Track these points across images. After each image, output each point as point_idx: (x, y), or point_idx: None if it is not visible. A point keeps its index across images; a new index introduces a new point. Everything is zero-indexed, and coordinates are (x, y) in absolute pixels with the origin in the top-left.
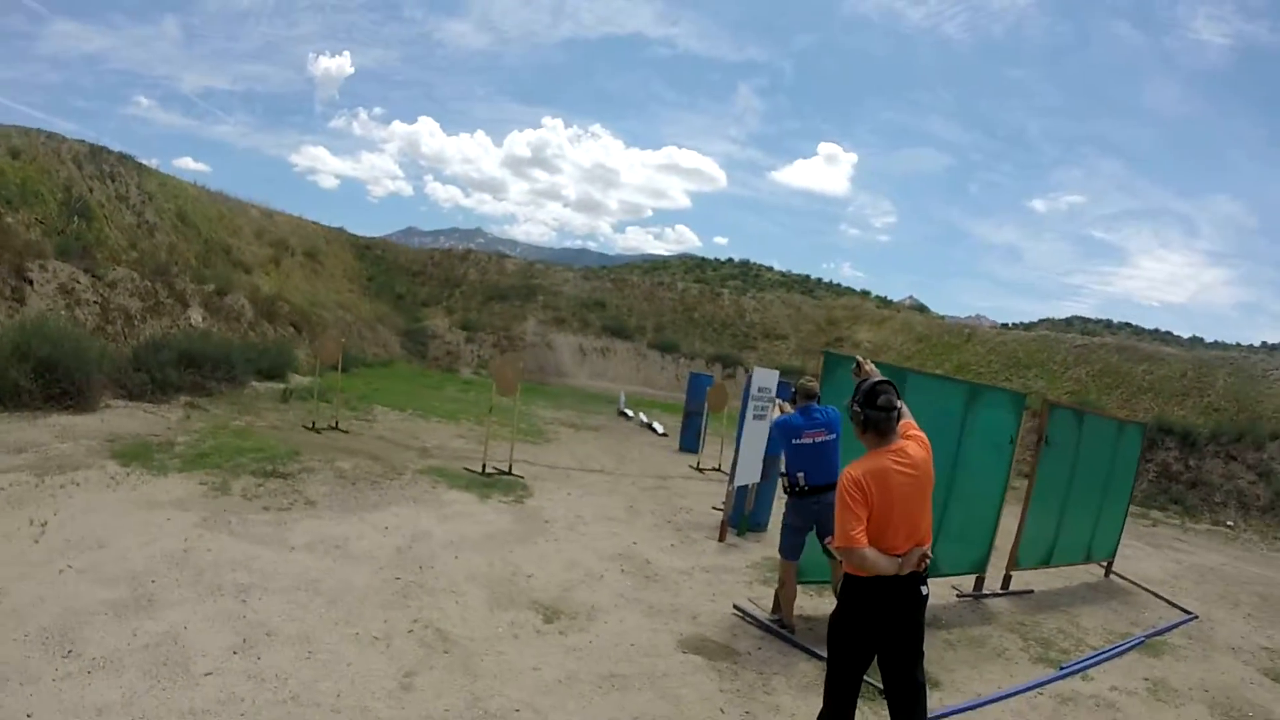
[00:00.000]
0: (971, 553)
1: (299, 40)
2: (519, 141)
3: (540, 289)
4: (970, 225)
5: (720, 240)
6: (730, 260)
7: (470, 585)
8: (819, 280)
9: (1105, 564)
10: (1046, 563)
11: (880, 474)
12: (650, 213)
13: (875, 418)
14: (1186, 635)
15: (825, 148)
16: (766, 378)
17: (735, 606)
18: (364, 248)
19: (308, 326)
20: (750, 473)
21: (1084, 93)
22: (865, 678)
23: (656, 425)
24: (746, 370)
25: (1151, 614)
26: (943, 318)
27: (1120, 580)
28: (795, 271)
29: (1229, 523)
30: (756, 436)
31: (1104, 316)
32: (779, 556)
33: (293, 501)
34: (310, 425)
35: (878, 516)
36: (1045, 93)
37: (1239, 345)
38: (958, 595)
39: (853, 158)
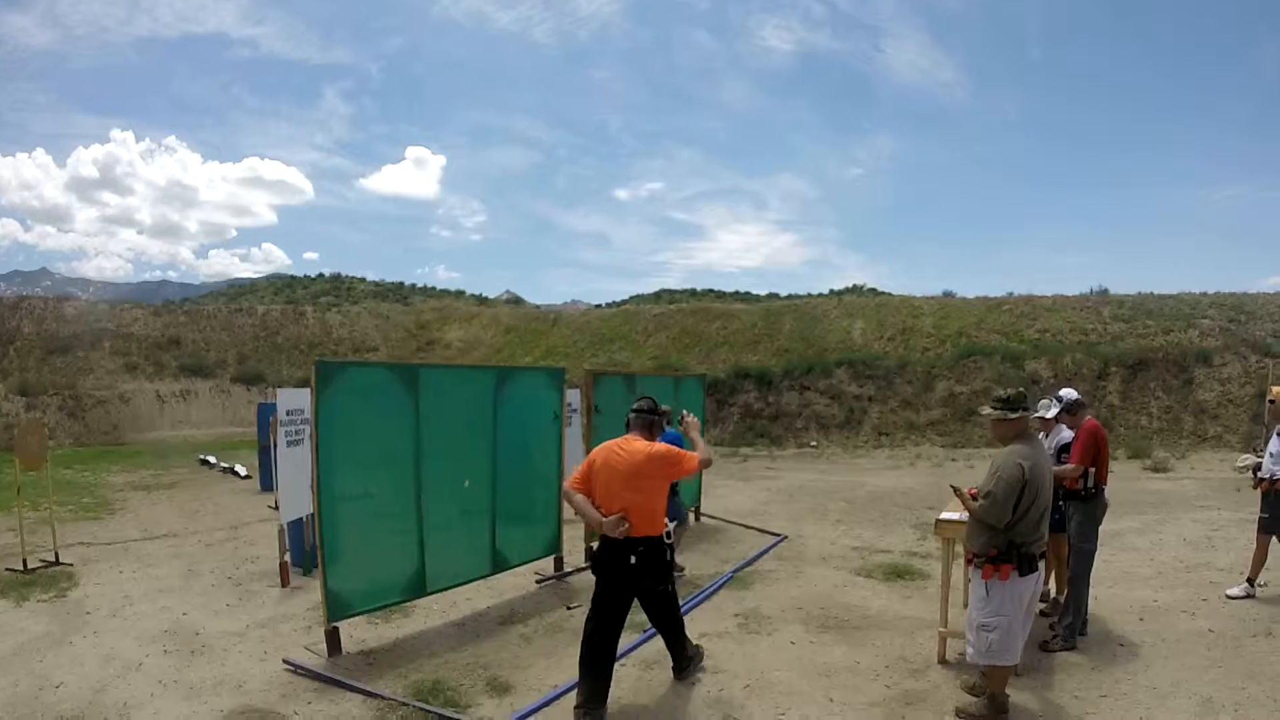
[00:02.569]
0: (540, 535)
1: None
2: (85, 160)
3: (106, 334)
4: (559, 217)
5: (311, 255)
6: (321, 276)
7: None
8: (413, 286)
9: (694, 509)
10: None
11: (604, 451)
12: (235, 233)
13: (628, 418)
14: (778, 557)
15: (413, 151)
16: (296, 398)
17: (285, 661)
18: None
19: None
20: (300, 504)
21: (663, 91)
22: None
23: (239, 468)
24: None
25: (743, 546)
26: (539, 307)
27: (711, 520)
28: (389, 280)
29: (813, 443)
30: (295, 464)
31: (689, 286)
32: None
33: None
34: None
35: (594, 479)
36: (627, 92)
37: (809, 295)
38: (538, 581)
39: (441, 160)
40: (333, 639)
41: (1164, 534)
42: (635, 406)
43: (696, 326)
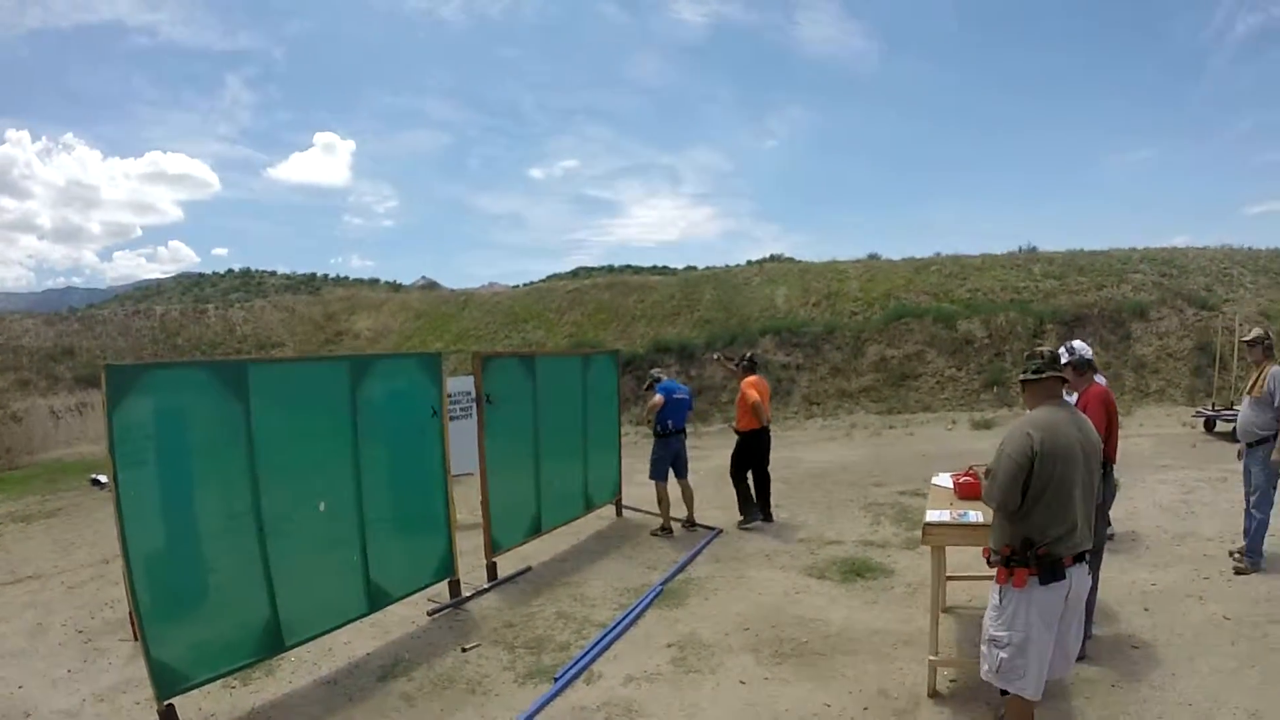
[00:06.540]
0: (429, 556)
1: None
2: None
3: None
4: (474, 199)
5: (220, 251)
6: (230, 272)
7: None
8: (325, 277)
9: (615, 502)
10: (537, 532)
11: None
12: (140, 231)
13: (747, 367)
14: (714, 558)
15: (322, 137)
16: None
17: None
18: None
19: None
20: None
21: (574, 68)
22: None
23: None
24: None
25: (671, 546)
26: (454, 291)
27: (634, 513)
28: (301, 272)
29: None
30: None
31: (606, 263)
32: (653, 481)
33: None
34: None
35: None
36: (538, 69)
37: (726, 267)
38: (430, 613)
39: (351, 145)
40: None
41: (1137, 500)
42: (753, 359)
43: (613, 301)
